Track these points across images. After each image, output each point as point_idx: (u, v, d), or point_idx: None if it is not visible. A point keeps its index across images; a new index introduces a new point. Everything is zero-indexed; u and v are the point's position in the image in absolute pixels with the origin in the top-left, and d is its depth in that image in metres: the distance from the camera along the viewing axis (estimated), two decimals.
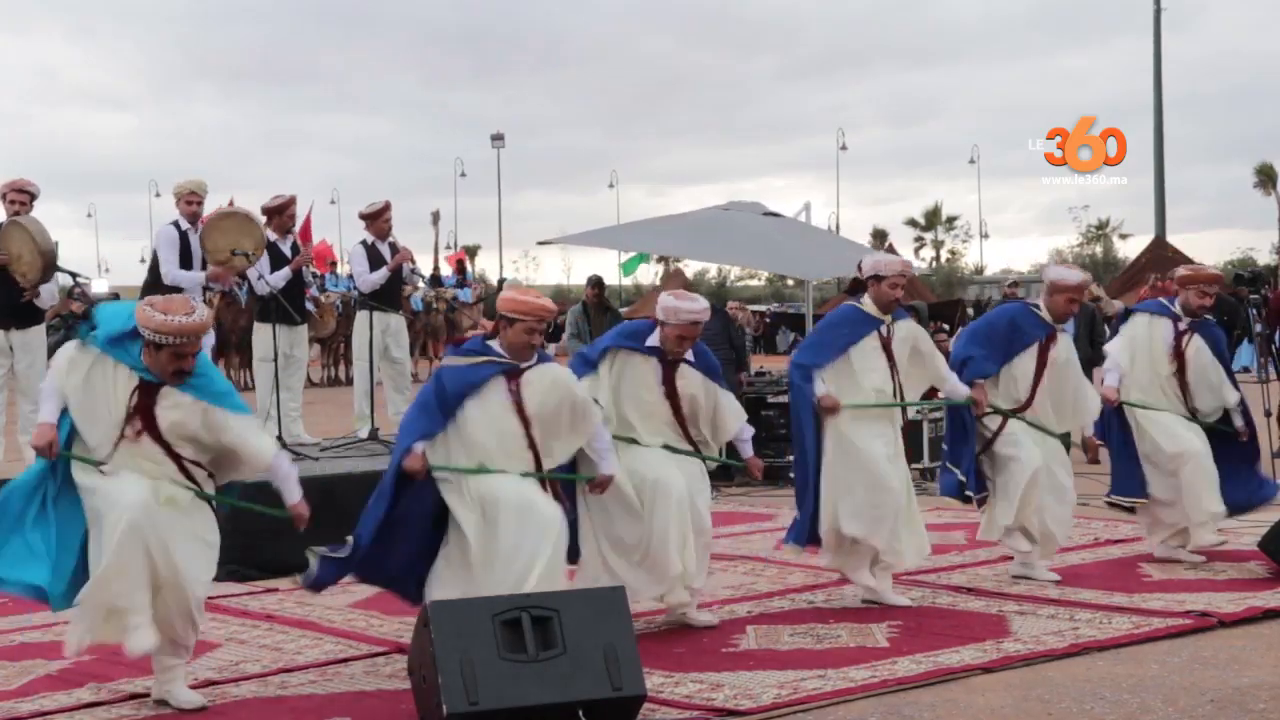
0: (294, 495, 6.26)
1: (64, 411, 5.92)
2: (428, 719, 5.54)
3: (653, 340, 7.30)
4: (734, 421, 7.56)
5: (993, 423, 8.44)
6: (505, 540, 6.36)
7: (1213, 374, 9.07)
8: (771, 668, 6.44)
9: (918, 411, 12.13)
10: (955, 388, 8.24)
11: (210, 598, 8.19)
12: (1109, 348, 9.31)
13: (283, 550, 9.01)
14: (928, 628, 7.21)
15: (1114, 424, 9.04)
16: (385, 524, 6.50)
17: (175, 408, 5.93)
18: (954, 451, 8.56)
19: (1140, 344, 9.09)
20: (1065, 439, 8.62)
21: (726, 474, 13.34)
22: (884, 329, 7.93)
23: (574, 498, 7.06)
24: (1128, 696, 5.93)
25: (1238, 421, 9.15)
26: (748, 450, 7.67)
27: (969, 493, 8.44)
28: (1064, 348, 8.59)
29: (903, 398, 8.01)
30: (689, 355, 7.35)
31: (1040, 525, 8.41)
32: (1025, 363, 8.46)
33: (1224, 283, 9.21)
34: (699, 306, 7.25)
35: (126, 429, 5.89)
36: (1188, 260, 33.64)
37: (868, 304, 7.99)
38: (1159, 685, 6.08)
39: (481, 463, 6.48)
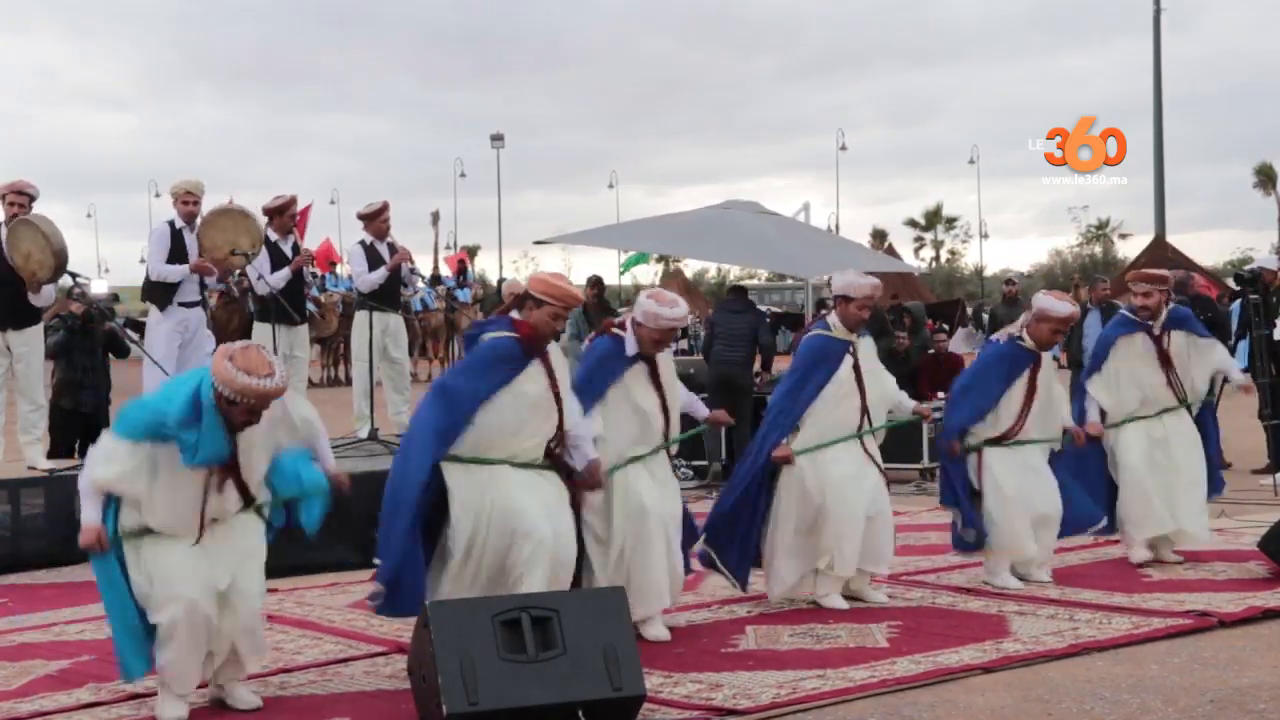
0: (330, 462, 6.27)
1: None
2: (428, 719, 5.54)
3: (630, 347, 7.18)
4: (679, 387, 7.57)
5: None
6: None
7: (1192, 352, 9.03)
8: (771, 668, 6.43)
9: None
10: (902, 403, 8.30)
11: None
12: (1090, 385, 9.01)
13: (282, 551, 9.02)
14: (927, 628, 7.21)
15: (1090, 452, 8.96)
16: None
17: (252, 446, 5.88)
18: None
19: (1124, 372, 8.99)
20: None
21: (725, 474, 13.37)
22: (852, 349, 8.00)
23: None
24: (1128, 696, 5.93)
25: (1236, 378, 9.09)
26: (702, 409, 7.69)
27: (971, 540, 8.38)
28: (1048, 368, 8.57)
29: (869, 415, 7.98)
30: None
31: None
32: (1016, 394, 8.40)
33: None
34: (678, 313, 7.15)
35: (210, 488, 5.83)
36: (1187, 260, 33.72)
37: (836, 326, 8.03)
38: (1159, 685, 6.08)
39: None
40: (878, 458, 8.05)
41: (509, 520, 6.38)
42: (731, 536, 7.85)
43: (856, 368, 7.96)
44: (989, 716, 5.74)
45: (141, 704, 6.06)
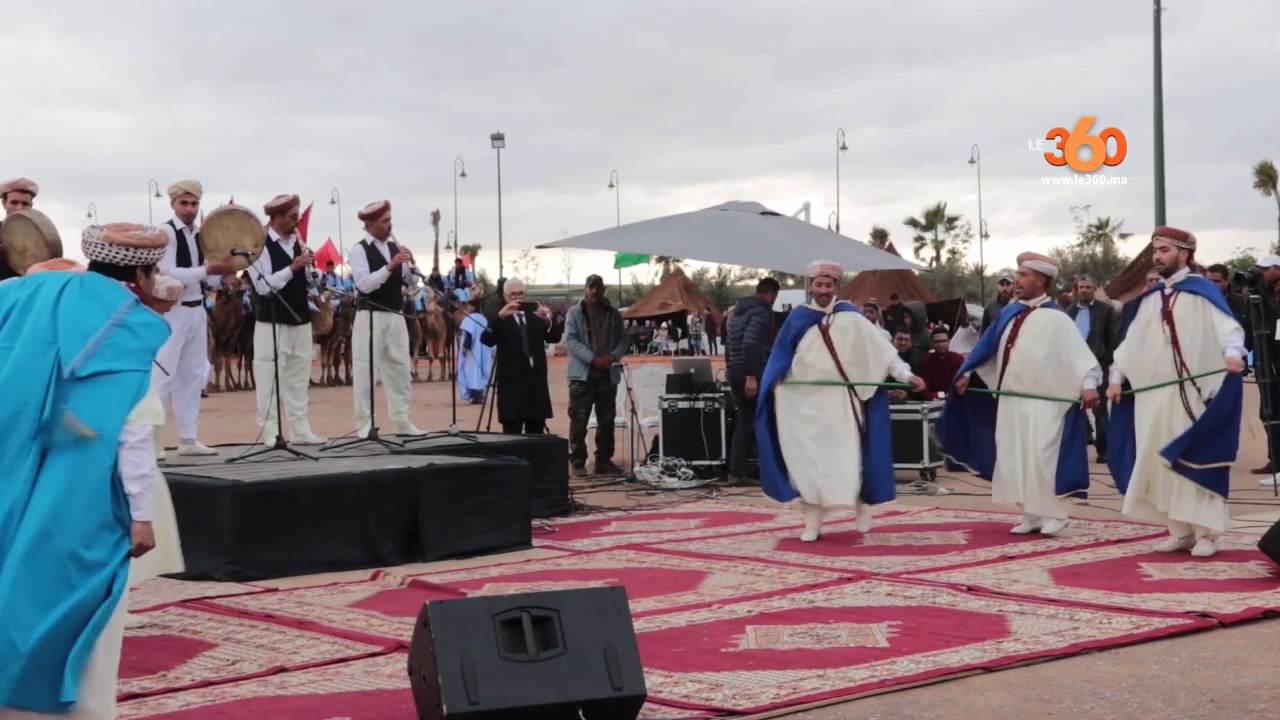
0: None
1: None
2: (428, 719, 5.54)
3: None
4: None
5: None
6: None
7: (1198, 322, 9.01)
8: (771, 667, 6.43)
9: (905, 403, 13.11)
10: (899, 372, 10.19)
11: (209, 597, 8.25)
12: (1116, 351, 9.62)
13: (282, 550, 9.04)
14: (928, 628, 7.20)
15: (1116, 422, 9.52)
16: None
17: None
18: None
19: (1144, 335, 9.25)
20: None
21: (724, 472, 13.42)
22: (824, 320, 10.13)
23: None
24: (1128, 696, 5.93)
25: (1230, 353, 8.85)
26: None
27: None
28: (1043, 321, 9.99)
29: (846, 375, 9.99)
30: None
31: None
32: (1002, 341, 10.10)
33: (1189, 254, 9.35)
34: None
35: None
36: None
37: (812, 302, 10.30)
38: (1159, 685, 6.08)
39: None
40: (858, 409, 10.00)
41: None
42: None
43: (826, 334, 10.04)
44: (989, 716, 5.74)
45: (141, 704, 6.07)
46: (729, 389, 13.66)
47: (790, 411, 10.06)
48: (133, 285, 5.18)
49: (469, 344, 24.29)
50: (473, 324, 21.86)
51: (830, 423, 9.99)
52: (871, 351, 10.11)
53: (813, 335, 10.08)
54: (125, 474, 4.85)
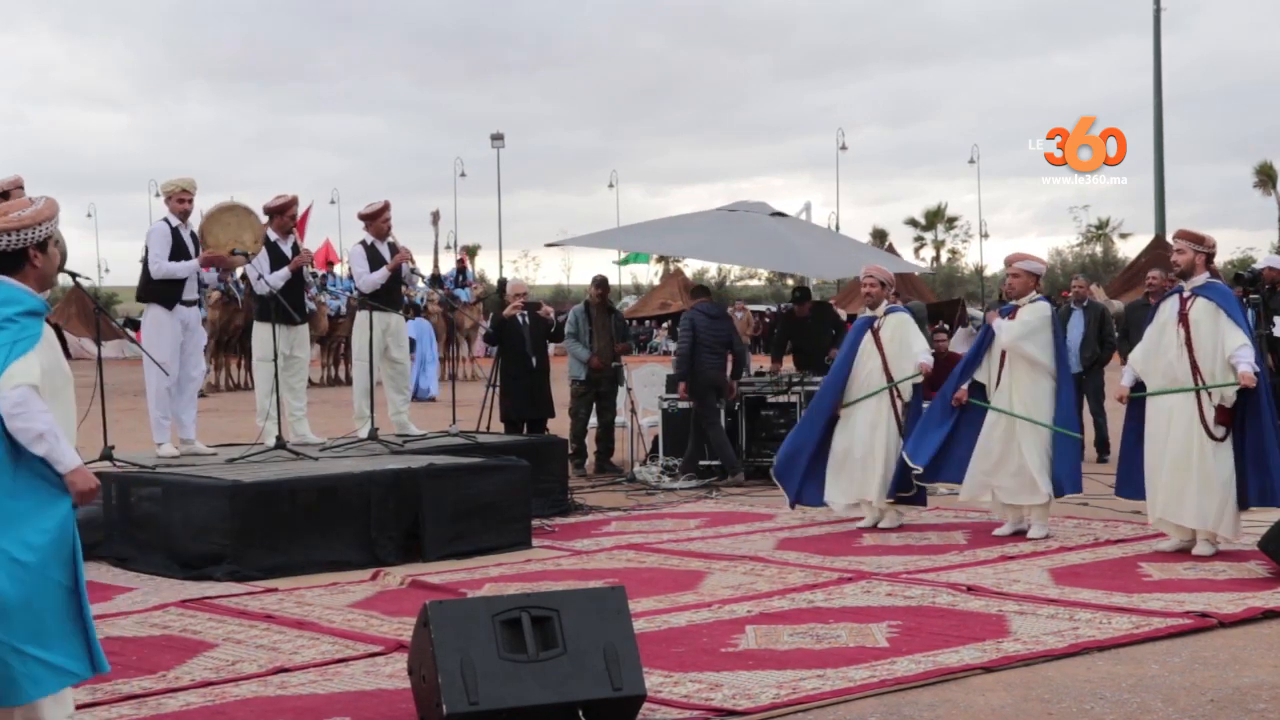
0: None
1: None
2: (428, 719, 5.54)
3: None
4: None
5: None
6: None
7: (1212, 329, 8.97)
8: (770, 667, 6.43)
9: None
10: (918, 364, 10.50)
11: (209, 597, 8.25)
12: (1131, 353, 9.65)
13: (282, 550, 9.04)
14: (927, 628, 7.20)
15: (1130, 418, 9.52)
16: None
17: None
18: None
19: (1160, 338, 9.23)
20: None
21: (723, 473, 13.41)
22: (875, 323, 10.63)
23: None
24: (1128, 696, 5.93)
25: (1241, 368, 8.81)
26: None
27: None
28: (1004, 331, 10.08)
29: (890, 377, 10.47)
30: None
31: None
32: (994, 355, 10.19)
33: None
34: None
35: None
36: None
37: (865, 308, 10.79)
38: (1159, 685, 6.08)
39: None
40: (899, 409, 10.48)
41: None
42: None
43: (878, 337, 10.55)
44: (989, 716, 5.74)
45: (141, 704, 6.07)
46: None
47: (840, 419, 10.63)
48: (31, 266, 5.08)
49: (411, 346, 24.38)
50: (414, 327, 21.95)
51: (865, 423, 10.51)
52: (907, 353, 10.52)
53: (866, 339, 10.64)
54: (22, 442, 4.86)
